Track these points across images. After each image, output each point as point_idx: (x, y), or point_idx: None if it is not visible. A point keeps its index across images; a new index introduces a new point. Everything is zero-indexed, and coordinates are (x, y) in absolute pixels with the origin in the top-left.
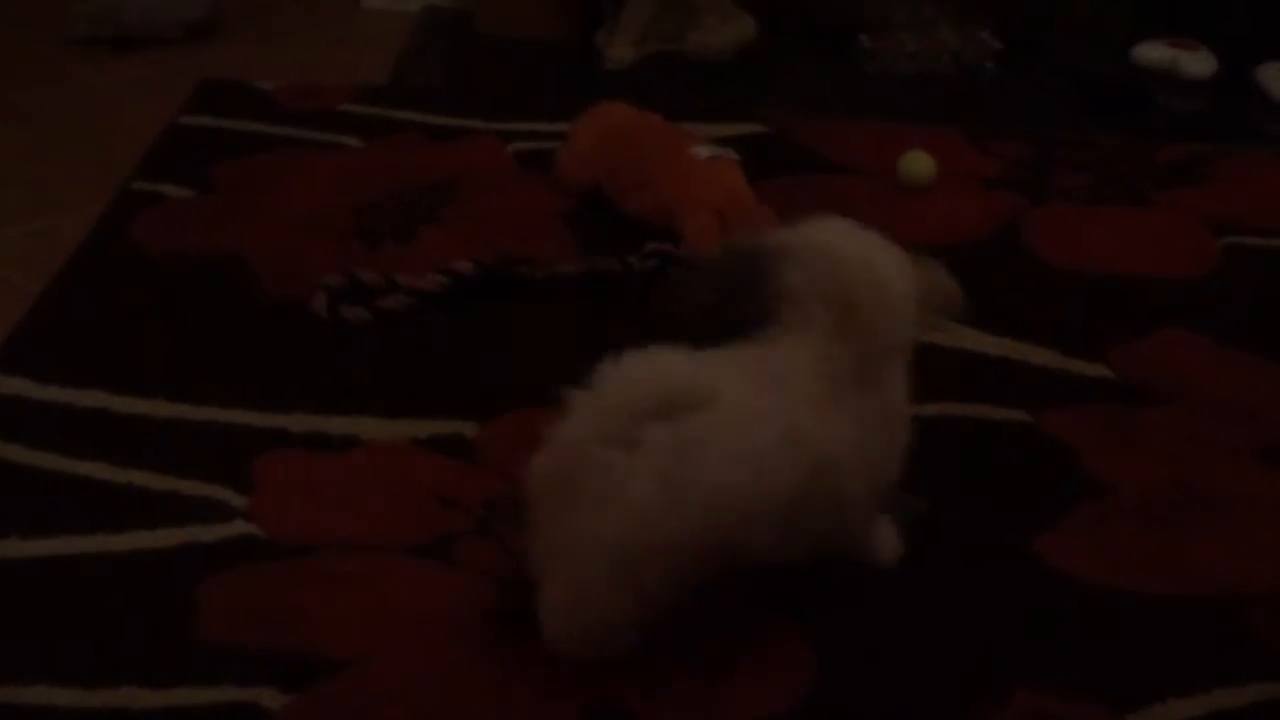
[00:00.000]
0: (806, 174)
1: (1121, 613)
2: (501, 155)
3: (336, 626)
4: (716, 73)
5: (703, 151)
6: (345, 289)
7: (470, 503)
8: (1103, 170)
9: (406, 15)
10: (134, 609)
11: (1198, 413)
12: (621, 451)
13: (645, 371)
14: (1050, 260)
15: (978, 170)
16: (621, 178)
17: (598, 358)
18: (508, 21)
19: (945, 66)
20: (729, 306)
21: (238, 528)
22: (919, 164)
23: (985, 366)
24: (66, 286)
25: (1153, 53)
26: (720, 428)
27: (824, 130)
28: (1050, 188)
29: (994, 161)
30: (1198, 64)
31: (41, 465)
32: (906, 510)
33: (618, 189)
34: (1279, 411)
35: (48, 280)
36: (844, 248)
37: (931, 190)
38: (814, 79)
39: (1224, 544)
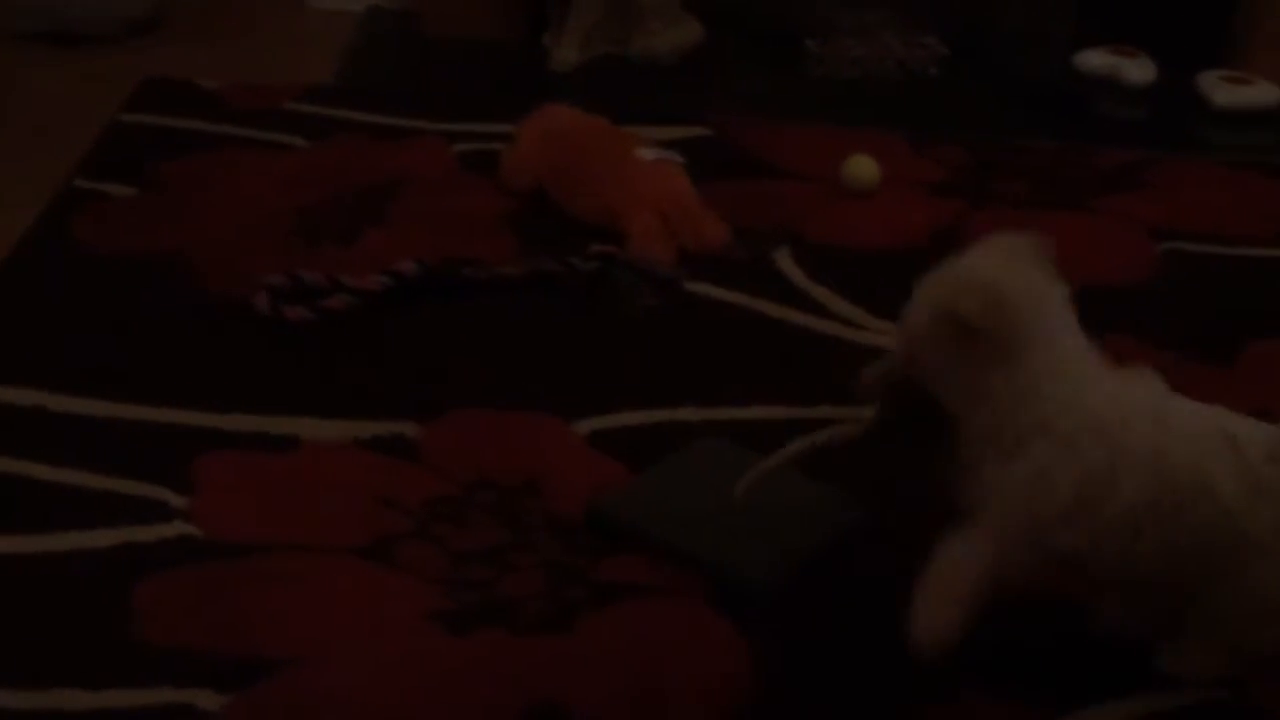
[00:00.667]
0: (751, 178)
1: (1064, 613)
2: (446, 156)
3: (275, 627)
4: (662, 76)
5: (647, 154)
6: (288, 288)
7: (411, 504)
8: (1044, 176)
9: (351, 15)
10: (71, 610)
11: None
12: None
13: None
14: None
15: (921, 175)
16: (566, 180)
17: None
18: (453, 22)
19: (890, 72)
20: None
21: (177, 528)
22: (862, 168)
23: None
24: (6, 284)
25: (1094, 60)
26: None
27: (768, 134)
28: (992, 193)
29: (937, 167)
30: (1138, 71)
31: None
32: (845, 512)
33: (562, 191)
34: None
35: None
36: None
37: (875, 195)
38: (759, 83)
39: None
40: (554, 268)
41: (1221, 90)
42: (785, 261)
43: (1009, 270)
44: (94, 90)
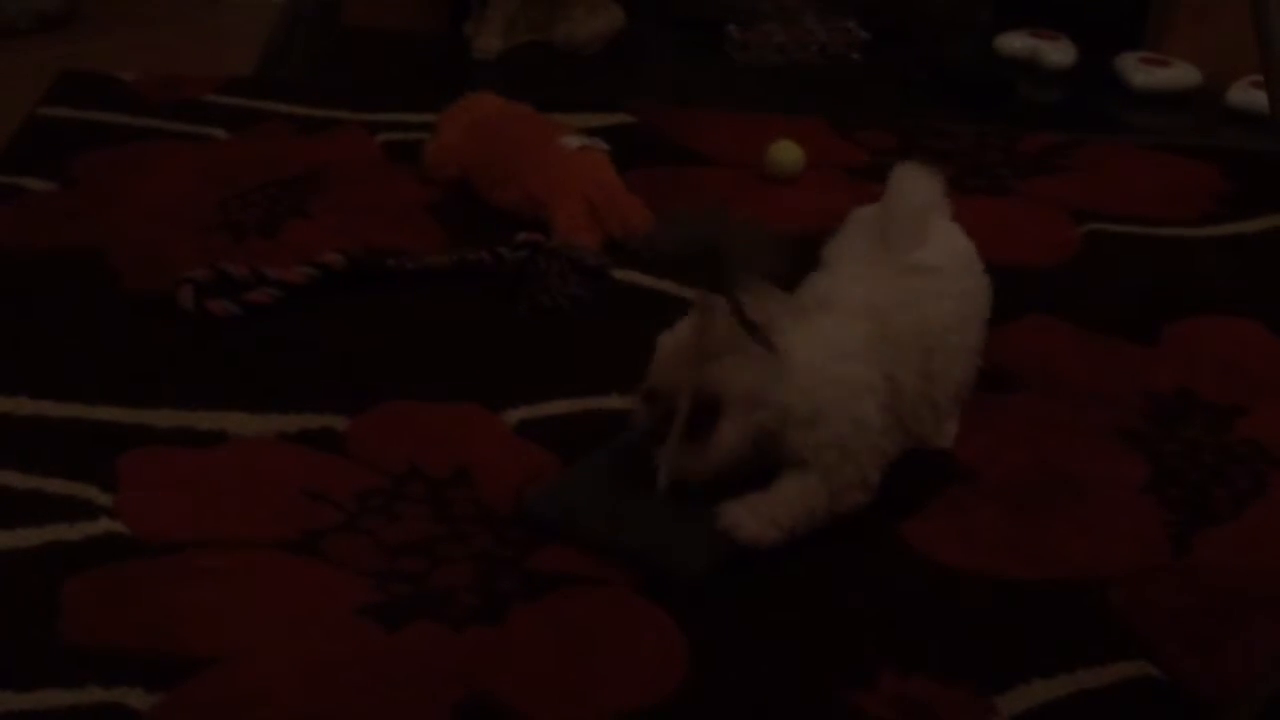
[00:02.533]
0: (675, 164)
1: (986, 596)
2: (369, 146)
3: (204, 624)
4: (585, 63)
5: (572, 142)
6: (211, 282)
7: (341, 497)
8: (966, 159)
9: (271, 5)
10: None
11: (1060, 397)
12: None
13: None
14: None
15: (845, 160)
16: (490, 169)
17: (466, 349)
18: (374, 12)
19: (812, 57)
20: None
21: (103, 526)
22: (787, 154)
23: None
24: None
25: (1015, 43)
26: None
27: (692, 121)
28: None
29: (861, 151)
30: (1058, 54)
31: None
32: None
33: (486, 180)
34: (1138, 394)
35: None
36: None
37: (799, 180)
38: (682, 70)
39: (1084, 526)
40: (480, 257)
41: (1140, 72)
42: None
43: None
44: (9, 84)
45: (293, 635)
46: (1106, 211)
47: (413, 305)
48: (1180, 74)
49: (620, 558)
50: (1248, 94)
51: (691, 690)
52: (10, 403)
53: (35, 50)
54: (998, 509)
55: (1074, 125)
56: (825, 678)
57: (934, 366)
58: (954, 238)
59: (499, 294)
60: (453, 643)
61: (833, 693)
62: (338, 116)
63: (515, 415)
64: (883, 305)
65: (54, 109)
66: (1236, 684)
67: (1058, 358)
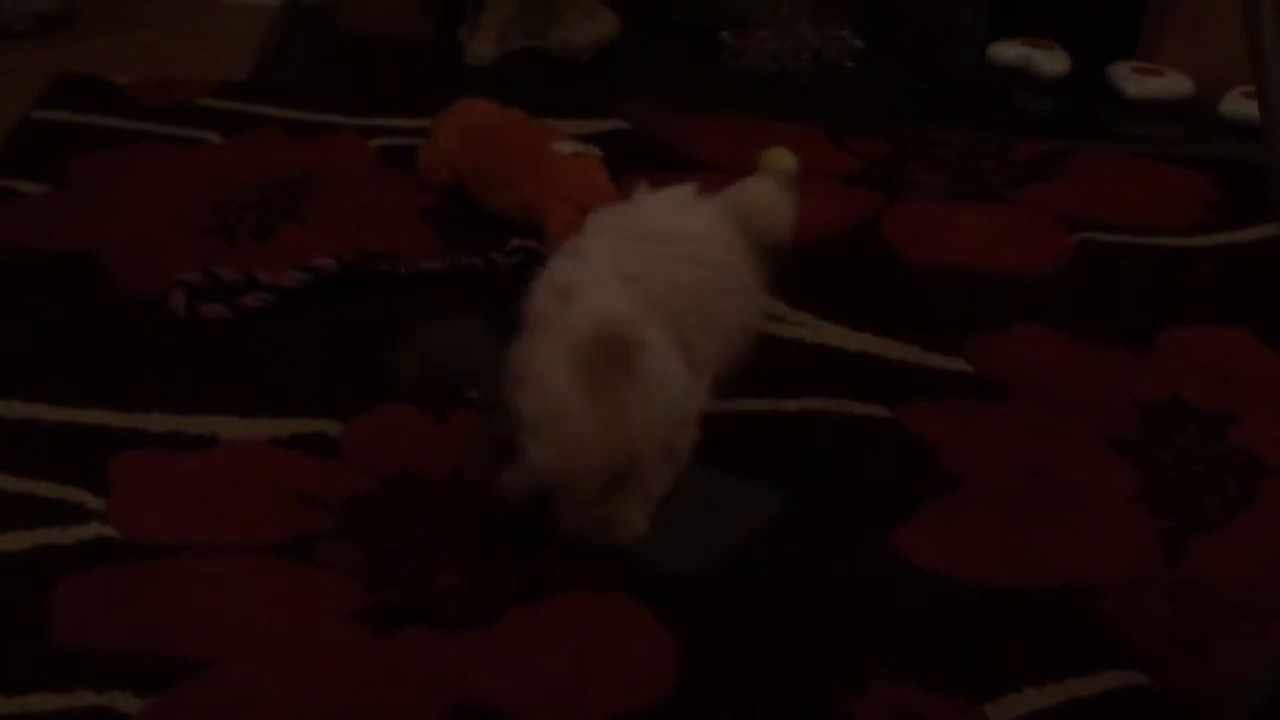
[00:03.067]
0: (668, 170)
1: (977, 604)
2: (363, 151)
3: (195, 628)
4: (579, 69)
5: (565, 148)
6: (204, 286)
7: (333, 501)
8: (959, 167)
9: (267, 10)
10: None
11: (1051, 405)
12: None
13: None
14: (908, 256)
15: (837, 167)
16: (484, 174)
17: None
18: (369, 17)
19: (806, 64)
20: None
21: (94, 529)
22: (780, 161)
23: (845, 362)
24: None
25: (1008, 52)
26: None
27: (686, 127)
28: (908, 184)
29: (853, 158)
30: (1052, 63)
31: None
32: (763, 504)
33: (480, 185)
34: (1128, 403)
35: None
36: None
37: (792, 187)
38: (676, 76)
39: (1075, 534)
40: (473, 262)
41: (1133, 81)
42: None
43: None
44: (4, 87)
45: (284, 639)
46: (1099, 220)
47: (406, 310)
48: (1173, 84)
49: (611, 561)
50: (1240, 104)
51: (682, 694)
52: (1, 405)
53: (31, 52)
54: (989, 517)
55: (1067, 134)
56: (816, 684)
57: (688, 333)
58: (716, 218)
59: (492, 299)
60: (444, 647)
61: (824, 699)
62: (332, 121)
63: None
64: (634, 271)
65: (49, 111)
66: (1227, 692)
67: (1049, 366)
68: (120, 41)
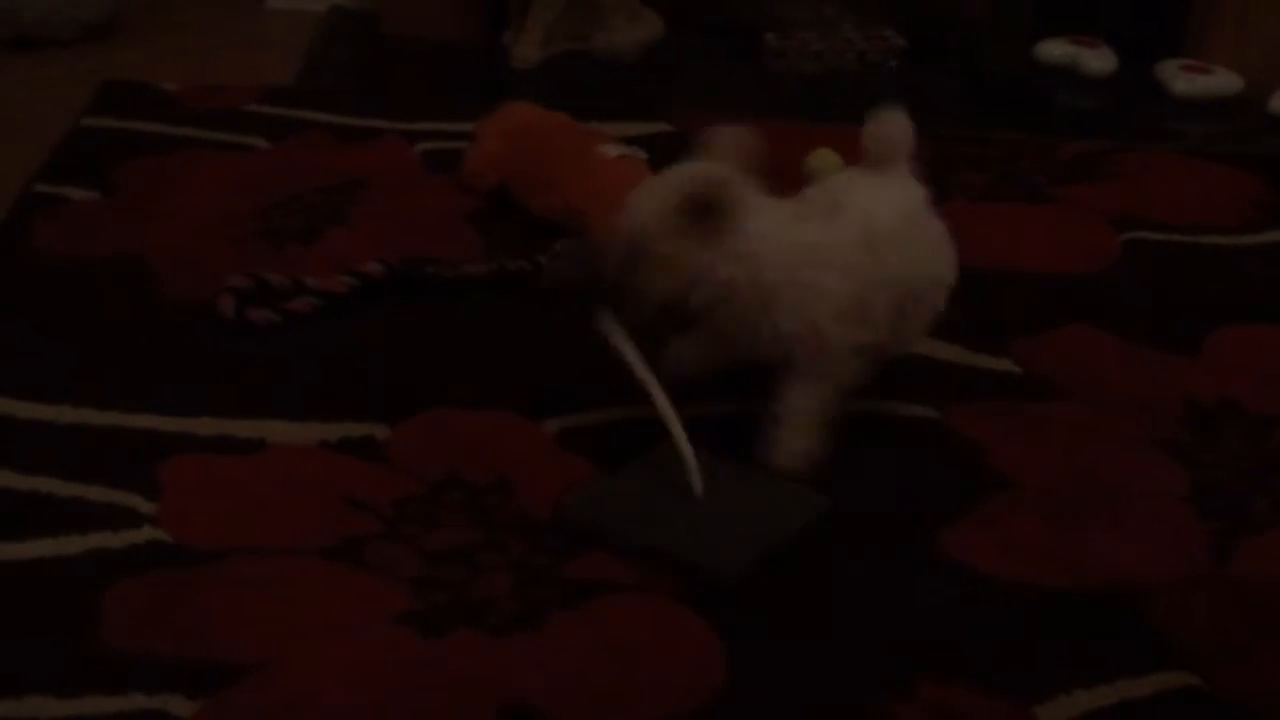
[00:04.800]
0: None
1: (1026, 605)
2: (408, 156)
3: (245, 632)
4: (623, 72)
5: (610, 151)
6: (251, 291)
7: (380, 505)
8: (1005, 167)
9: (312, 15)
10: (40, 617)
11: (1099, 406)
12: None
13: None
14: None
15: None
16: (528, 178)
17: (505, 358)
18: (414, 21)
19: (850, 65)
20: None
21: (145, 533)
22: (826, 162)
23: (892, 363)
24: None
25: (1054, 50)
26: None
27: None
28: (954, 184)
29: None
30: (1098, 61)
31: None
32: (807, 505)
33: (525, 189)
34: (1176, 404)
35: None
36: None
37: None
38: (720, 78)
39: (1124, 536)
40: (519, 266)
41: (1180, 79)
42: None
43: (709, 165)
44: (53, 94)
45: (332, 643)
46: (1147, 220)
47: (451, 314)
48: (1221, 81)
49: (656, 563)
50: None
51: (728, 698)
52: (52, 411)
53: (78, 60)
54: (1038, 518)
55: (1114, 133)
56: (863, 686)
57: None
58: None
59: (538, 302)
60: (491, 650)
61: (870, 701)
62: (377, 126)
63: (555, 424)
64: (888, 226)
65: (96, 119)
66: (1278, 694)
67: (1098, 367)
68: (166, 48)
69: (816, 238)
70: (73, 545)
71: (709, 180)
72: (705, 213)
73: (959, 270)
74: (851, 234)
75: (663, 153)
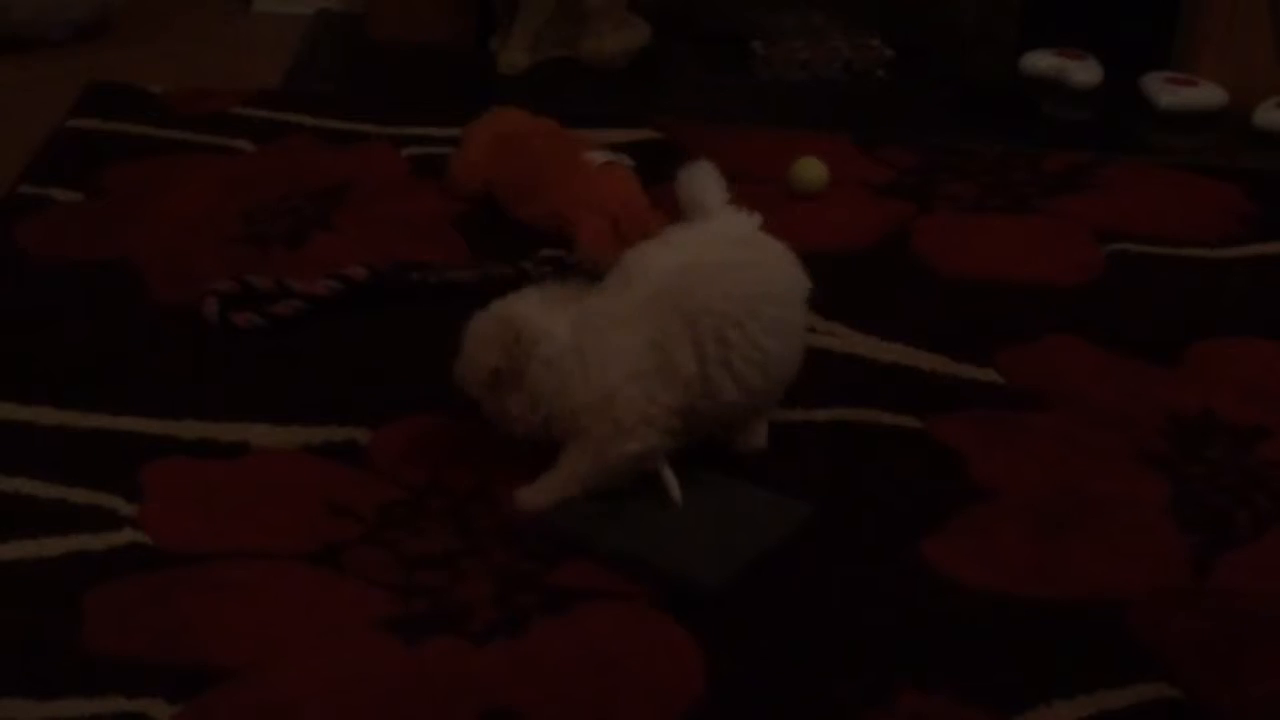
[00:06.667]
0: None
1: (1006, 616)
2: (394, 160)
3: (225, 635)
4: (610, 79)
5: (596, 158)
6: (236, 294)
7: (363, 509)
8: (990, 178)
9: (299, 18)
10: (19, 619)
11: (1081, 417)
12: None
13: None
14: (939, 267)
15: (868, 177)
16: (515, 184)
17: None
18: (401, 25)
19: (837, 74)
20: None
21: (126, 536)
22: (811, 171)
23: (876, 372)
24: None
25: (1041, 62)
26: None
27: (717, 137)
28: (939, 195)
29: (884, 169)
30: (1085, 73)
31: None
32: (788, 515)
33: (510, 195)
34: (1159, 416)
35: None
36: None
37: (823, 197)
38: (707, 86)
39: (1104, 547)
40: (504, 271)
41: (1166, 92)
42: None
43: (503, 318)
44: (39, 95)
45: (312, 647)
46: (1131, 232)
47: (436, 319)
48: (1206, 94)
49: (638, 572)
50: (1273, 115)
51: (709, 706)
52: (35, 412)
53: (66, 60)
54: (1019, 529)
55: (1099, 145)
56: (843, 695)
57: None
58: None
59: None
60: (472, 657)
61: (851, 710)
62: (364, 130)
63: None
64: (681, 270)
65: (82, 120)
66: (1256, 706)
67: (1080, 378)
68: (155, 50)
69: (599, 305)
70: (53, 547)
71: (504, 349)
72: (510, 370)
73: (809, 286)
74: (642, 292)
75: (649, 160)
